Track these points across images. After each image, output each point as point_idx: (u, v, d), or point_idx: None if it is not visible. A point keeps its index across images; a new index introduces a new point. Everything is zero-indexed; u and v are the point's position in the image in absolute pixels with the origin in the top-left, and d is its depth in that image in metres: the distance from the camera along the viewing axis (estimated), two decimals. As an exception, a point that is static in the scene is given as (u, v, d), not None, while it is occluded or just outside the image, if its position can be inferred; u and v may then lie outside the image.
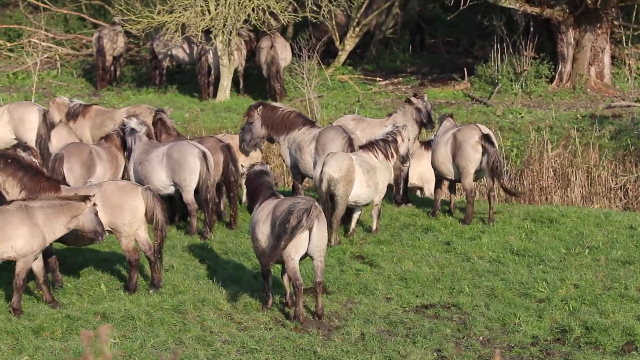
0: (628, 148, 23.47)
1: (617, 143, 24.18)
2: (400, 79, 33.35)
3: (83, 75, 34.30)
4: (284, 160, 19.46)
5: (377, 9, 35.30)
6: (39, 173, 15.58)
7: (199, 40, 30.35)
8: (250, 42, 32.05)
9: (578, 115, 27.91)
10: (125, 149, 18.27)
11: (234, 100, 30.71)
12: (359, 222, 17.80)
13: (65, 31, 37.37)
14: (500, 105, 29.31)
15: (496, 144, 18.34)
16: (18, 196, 15.02)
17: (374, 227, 17.65)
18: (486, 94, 30.71)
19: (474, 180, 18.37)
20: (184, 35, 30.78)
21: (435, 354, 12.82)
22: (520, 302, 14.31)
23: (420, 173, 21.36)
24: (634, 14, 32.69)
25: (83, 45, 36.35)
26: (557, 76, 30.70)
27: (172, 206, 18.67)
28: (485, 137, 18.05)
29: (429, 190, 21.22)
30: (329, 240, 15.66)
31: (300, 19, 31.15)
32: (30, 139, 20.01)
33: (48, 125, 20.22)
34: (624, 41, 32.43)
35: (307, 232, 13.48)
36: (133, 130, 18.04)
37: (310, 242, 13.56)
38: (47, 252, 14.77)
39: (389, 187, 18.37)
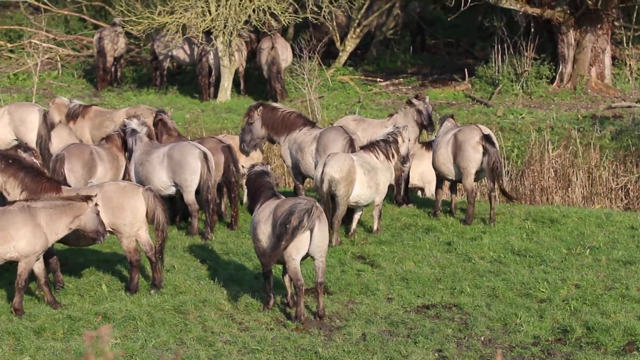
0: (629, 148, 23.46)
1: (617, 143, 24.17)
2: (401, 79, 33.32)
3: (84, 76, 34.30)
4: (284, 161, 19.45)
5: (378, 9, 35.32)
6: (40, 174, 15.57)
7: (200, 41, 30.34)
8: (251, 43, 32.06)
9: (579, 116, 27.91)
10: (126, 149, 18.27)
11: (235, 101, 30.70)
12: (360, 223, 17.80)
13: (66, 32, 37.36)
14: (501, 105, 29.30)
15: (497, 145, 18.33)
16: (19, 197, 15.03)
17: (375, 228, 17.65)
18: (487, 94, 30.69)
19: (474, 181, 18.37)
20: (185, 36, 30.77)
21: (436, 354, 12.81)
22: (521, 302, 14.31)
23: (421, 174, 21.36)
24: (635, 15, 32.68)
25: (84, 46, 36.34)
26: (557, 77, 30.70)
27: (173, 207, 18.67)
28: (486, 138, 18.05)
29: (430, 190, 21.22)
30: (330, 241, 15.65)
31: (300, 20, 31.15)
32: (31, 139, 20.00)
33: (48, 125, 20.22)
34: (624, 42, 32.43)
35: (308, 232, 13.48)
36: (134, 131, 18.04)
37: (312, 242, 13.56)
38: (48, 253, 14.77)
39: (390, 187, 18.37)
